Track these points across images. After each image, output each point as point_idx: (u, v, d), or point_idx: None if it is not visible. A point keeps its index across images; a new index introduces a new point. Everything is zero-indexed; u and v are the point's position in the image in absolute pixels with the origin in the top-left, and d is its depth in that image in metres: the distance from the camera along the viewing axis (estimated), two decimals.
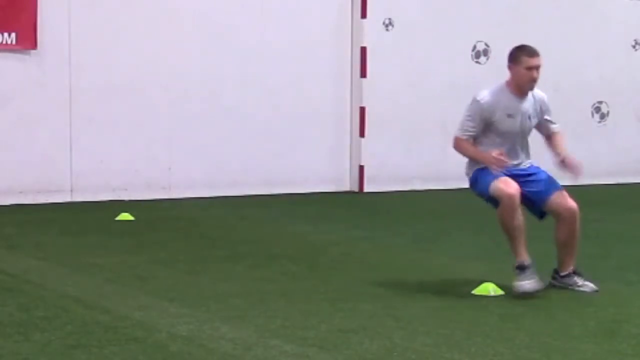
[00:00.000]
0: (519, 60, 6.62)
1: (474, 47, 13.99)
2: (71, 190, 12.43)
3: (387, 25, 13.58)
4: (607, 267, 8.54)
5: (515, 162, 6.77)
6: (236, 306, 6.93)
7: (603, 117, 15.27)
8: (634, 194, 13.96)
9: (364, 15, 13.46)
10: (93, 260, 8.50)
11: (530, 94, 6.75)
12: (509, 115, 6.67)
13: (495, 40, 14.42)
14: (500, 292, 7.24)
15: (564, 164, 6.76)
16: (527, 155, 6.91)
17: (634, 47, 15.16)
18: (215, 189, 12.82)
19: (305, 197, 13.24)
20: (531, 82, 6.66)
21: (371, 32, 13.56)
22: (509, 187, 6.52)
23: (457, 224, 10.93)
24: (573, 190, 14.59)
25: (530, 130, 6.92)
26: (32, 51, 12.07)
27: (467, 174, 7.01)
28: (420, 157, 14.13)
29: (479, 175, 6.80)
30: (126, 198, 12.21)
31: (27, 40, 12.07)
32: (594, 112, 15.25)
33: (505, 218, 6.58)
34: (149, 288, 7.51)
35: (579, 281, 6.77)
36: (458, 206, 12.13)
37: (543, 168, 6.95)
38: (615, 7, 15.24)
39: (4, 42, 11.90)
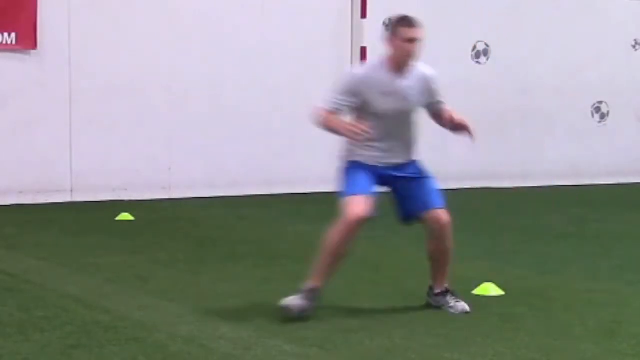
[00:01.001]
0: (396, 31, 5.77)
1: (474, 47, 13.96)
2: (71, 190, 12.35)
3: (387, 26, 13.82)
4: (607, 266, 8.40)
5: (393, 160, 5.88)
6: (236, 306, 6.84)
7: (603, 117, 15.18)
8: (634, 194, 13.77)
9: (364, 15, 13.39)
10: (93, 260, 8.43)
11: (415, 71, 5.88)
12: (384, 94, 5.80)
13: (495, 40, 14.41)
14: (501, 292, 7.15)
15: (453, 124, 5.95)
16: (409, 150, 5.98)
17: (634, 47, 15.11)
18: (215, 189, 12.74)
19: (306, 197, 13.12)
20: (407, 56, 5.77)
21: (371, 32, 13.29)
22: (357, 209, 5.70)
23: (457, 224, 10.79)
24: (574, 190, 13.62)
25: (410, 113, 5.96)
26: (32, 51, 11.98)
27: (339, 159, 6.08)
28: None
29: (346, 172, 5.93)
30: (126, 198, 12.15)
31: (27, 40, 11.97)
32: (594, 112, 15.17)
33: (334, 239, 5.78)
34: (149, 288, 7.42)
35: (451, 301, 6.15)
36: (458, 206, 12.58)
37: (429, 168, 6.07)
38: (614, 7, 15.20)
39: (4, 42, 11.84)
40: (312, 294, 5.88)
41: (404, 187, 5.96)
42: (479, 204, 12.71)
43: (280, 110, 13.42)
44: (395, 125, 5.92)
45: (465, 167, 14.02)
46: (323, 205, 12.91)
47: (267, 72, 13.34)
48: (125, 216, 10.85)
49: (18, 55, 12.12)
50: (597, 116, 14.93)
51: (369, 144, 5.84)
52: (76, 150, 12.21)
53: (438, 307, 6.23)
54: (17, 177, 12.01)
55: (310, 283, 5.92)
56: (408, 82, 5.87)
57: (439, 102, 6.01)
